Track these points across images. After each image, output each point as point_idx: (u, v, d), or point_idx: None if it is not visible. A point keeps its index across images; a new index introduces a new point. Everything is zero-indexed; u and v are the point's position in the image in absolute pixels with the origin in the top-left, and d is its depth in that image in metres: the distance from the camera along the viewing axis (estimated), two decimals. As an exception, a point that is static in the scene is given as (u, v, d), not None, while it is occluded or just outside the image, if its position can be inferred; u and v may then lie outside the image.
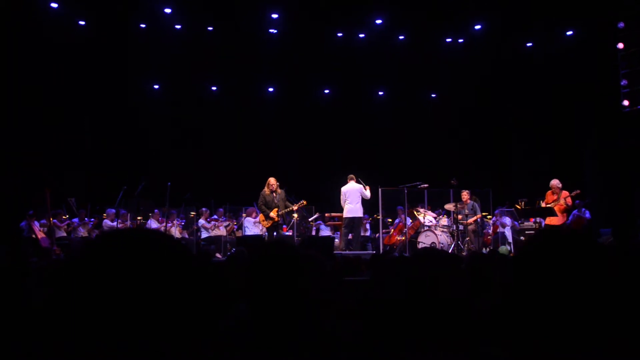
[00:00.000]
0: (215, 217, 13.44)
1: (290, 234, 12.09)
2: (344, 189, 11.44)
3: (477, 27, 14.27)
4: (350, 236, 11.47)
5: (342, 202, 11.48)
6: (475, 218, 11.52)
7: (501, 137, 15.99)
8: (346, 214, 11.39)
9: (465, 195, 11.64)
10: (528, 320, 1.34)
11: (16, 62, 12.15)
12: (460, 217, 11.34)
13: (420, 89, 16.29)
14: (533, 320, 1.33)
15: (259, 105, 16.22)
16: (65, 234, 11.81)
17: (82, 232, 12.17)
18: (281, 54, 14.70)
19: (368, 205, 12.97)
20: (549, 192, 10.54)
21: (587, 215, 12.24)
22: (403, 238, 12.18)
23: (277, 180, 10.65)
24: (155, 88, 15.65)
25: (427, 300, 1.60)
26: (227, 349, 1.44)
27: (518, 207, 11.28)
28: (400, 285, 1.68)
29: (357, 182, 11.48)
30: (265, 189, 10.57)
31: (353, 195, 11.32)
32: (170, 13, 13.56)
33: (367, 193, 11.40)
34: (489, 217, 12.68)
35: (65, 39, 12.98)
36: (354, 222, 11.38)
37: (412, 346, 1.48)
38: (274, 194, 10.49)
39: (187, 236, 12.93)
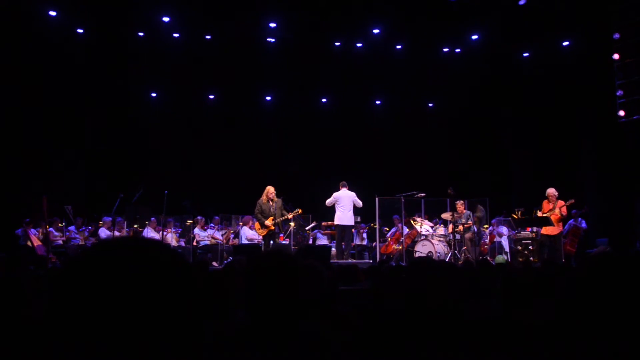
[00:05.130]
0: (212, 225, 13.43)
1: (287, 242, 12.07)
2: (336, 194, 11.42)
3: (475, 37, 14.35)
4: (344, 245, 11.45)
5: (328, 202, 11.43)
6: (468, 225, 11.50)
7: (499, 146, 16.03)
8: (337, 221, 11.37)
9: (460, 206, 11.61)
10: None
11: (16, 67, 12.17)
12: (460, 228, 11.33)
13: (418, 98, 16.35)
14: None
15: (257, 114, 16.24)
16: (61, 242, 11.78)
17: (79, 240, 12.13)
18: (280, 62, 14.74)
19: (365, 214, 12.97)
20: (545, 201, 10.58)
21: (584, 224, 12.26)
22: (400, 247, 12.17)
23: (275, 189, 10.64)
24: (153, 96, 15.68)
25: (424, 309, 1.61)
26: (225, 353, 1.44)
27: (515, 216, 11.29)
28: (398, 294, 1.69)
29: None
30: (263, 197, 10.55)
31: (345, 202, 11.29)
32: (168, 22, 13.60)
33: (359, 201, 11.39)
34: (485, 226, 12.68)
35: (65, 45, 13.03)
36: (345, 230, 11.37)
37: (409, 352, 1.48)
38: (271, 203, 10.48)
39: (183, 244, 12.90)
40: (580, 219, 12.20)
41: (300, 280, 1.66)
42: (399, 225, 12.56)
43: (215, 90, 15.95)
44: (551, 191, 10.50)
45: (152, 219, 12.51)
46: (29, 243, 10.87)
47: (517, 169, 15.67)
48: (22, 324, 1.67)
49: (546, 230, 10.51)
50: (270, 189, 10.55)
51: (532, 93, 14.58)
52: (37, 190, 10.32)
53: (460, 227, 11.40)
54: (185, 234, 13.22)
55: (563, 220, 10.71)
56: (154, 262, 1.07)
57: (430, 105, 16.80)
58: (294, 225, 12.43)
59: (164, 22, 13.57)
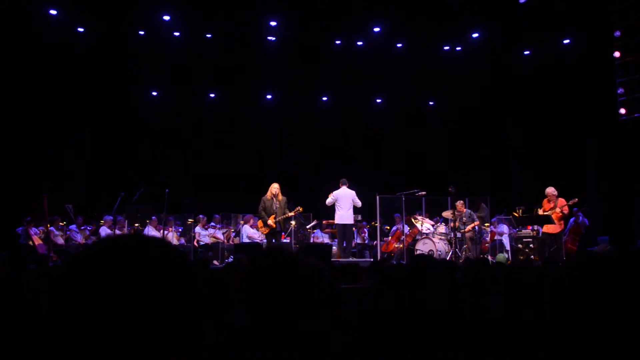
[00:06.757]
0: (213, 224, 13.43)
1: (288, 241, 12.07)
2: (336, 192, 11.38)
3: (475, 35, 14.34)
4: (345, 244, 11.45)
5: (328, 202, 11.38)
6: (472, 225, 11.50)
7: (499, 145, 16.02)
8: (338, 220, 11.34)
9: (460, 206, 11.56)
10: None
11: (16, 67, 12.17)
12: (469, 228, 11.34)
13: (418, 97, 16.34)
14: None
15: (257, 113, 16.24)
16: (62, 241, 11.78)
17: (80, 239, 12.14)
18: (280, 61, 14.73)
19: (366, 212, 12.96)
20: (545, 200, 10.53)
21: (585, 222, 12.25)
22: (401, 246, 12.16)
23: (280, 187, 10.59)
24: (153, 95, 15.68)
25: (424, 307, 1.61)
26: (225, 353, 1.44)
27: (516, 214, 11.28)
28: (399, 292, 1.69)
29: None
30: (268, 193, 10.45)
31: (345, 201, 11.24)
32: (168, 20, 13.59)
33: (358, 201, 11.34)
34: (486, 224, 12.67)
35: (65, 45, 13.02)
36: (345, 229, 11.34)
37: (409, 352, 1.48)
38: (274, 200, 10.38)
39: (184, 243, 12.91)
40: (581, 217, 12.19)
41: (301, 279, 1.65)
42: (400, 223, 12.56)
43: (216, 89, 15.94)
44: (550, 190, 10.45)
45: (153, 217, 12.51)
46: (30, 242, 10.88)
47: (517, 168, 15.64)
48: (23, 324, 1.67)
49: (547, 228, 10.47)
50: (275, 185, 10.42)
51: (532, 92, 14.55)
52: (37, 189, 10.32)
53: (469, 227, 11.37)
54: (186, 232, 13.23)
55: (565, 218, 10.68)
56: (154, 260, 1.06)
57: (430, 104, 16.79)
58: (295, 224, 12.42)
59: (165, 20, 13.56)
